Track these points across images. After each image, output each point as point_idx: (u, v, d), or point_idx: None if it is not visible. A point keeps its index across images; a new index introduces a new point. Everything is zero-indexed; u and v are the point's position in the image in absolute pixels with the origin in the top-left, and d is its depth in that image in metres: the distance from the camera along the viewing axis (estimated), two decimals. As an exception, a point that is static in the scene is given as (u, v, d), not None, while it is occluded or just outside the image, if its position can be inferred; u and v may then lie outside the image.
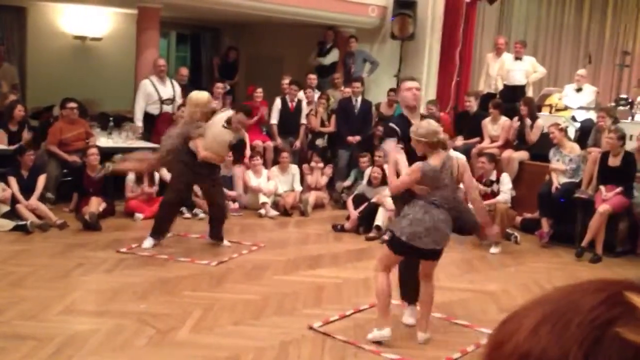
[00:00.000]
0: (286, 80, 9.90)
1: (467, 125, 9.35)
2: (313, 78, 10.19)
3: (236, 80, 11.61)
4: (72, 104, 8.30)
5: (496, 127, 8.94)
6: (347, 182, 9.17)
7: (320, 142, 9.66)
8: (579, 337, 0.54)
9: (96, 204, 7.38)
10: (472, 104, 9.42)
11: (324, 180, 9.17)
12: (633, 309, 0.54)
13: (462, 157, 7.66)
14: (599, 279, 0.61)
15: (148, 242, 6.54)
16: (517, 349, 0.57)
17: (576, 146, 8.05)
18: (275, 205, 8.67)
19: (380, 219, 7.66)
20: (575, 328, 0.55)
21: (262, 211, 8.48)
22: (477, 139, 9.03)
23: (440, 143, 4.37)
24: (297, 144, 9.74)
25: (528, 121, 8.65)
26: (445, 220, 4.34)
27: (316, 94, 10.08)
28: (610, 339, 0.53)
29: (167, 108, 9.20)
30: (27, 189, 7.32)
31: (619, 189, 7.21)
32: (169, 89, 9.22)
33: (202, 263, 6.17)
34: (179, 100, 9.10)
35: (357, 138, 9.46)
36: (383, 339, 4.48)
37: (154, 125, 9.03)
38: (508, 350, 0.58)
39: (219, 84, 9.73)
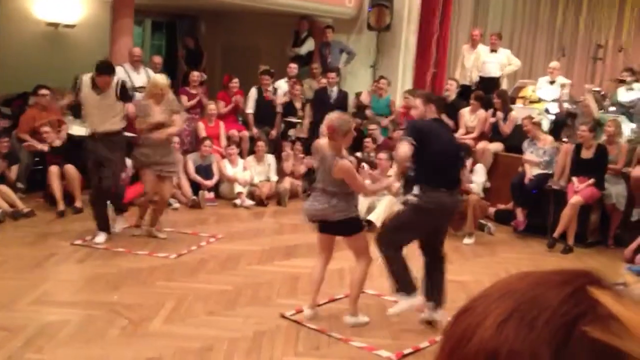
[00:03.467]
0: (261, 70, 9.89)
1: (444, 111, 9.33)
2: (293, 67, 10.15)
3: (203, 67, 11.43)
4: (45, 91, 8.18)
5: (473, 118, 8.99)
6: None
7: (292, 132, 9.60)
8: (547, 336, 0.54)
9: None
10: (452, 91, 9.43)
11: (302, 169, 9.13)
12: (597, 305, 0.54)
13: None
14: (562, 269, 0.60)
15: (101, 237, 6.38)
16: (483, 347, 0.56)
17: (550, 138, 8.14)
18: (250, 195, 8.65)
19: (375, 214, 7.54)
20: (543, 326, 0.54)
21: (238, 201, 8.46)
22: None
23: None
24: (273, 133, 9.71)
25: (499, 114, 8.72)
26: None
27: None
28: (578, 338, 0.53)
29: (139, 96, 9.10)
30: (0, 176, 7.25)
31: (590, 181, 7.30)
32: (143, 76, 9.12)
33: (160, 256, 6.06)
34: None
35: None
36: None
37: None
38: (473, 349, 0.56)
39: (195, 73, 9.65)
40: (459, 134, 8.92)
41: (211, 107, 9.20)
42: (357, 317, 4.74)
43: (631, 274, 6.16)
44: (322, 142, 4.67)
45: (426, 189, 4.54)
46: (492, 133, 8.84)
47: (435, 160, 4.54)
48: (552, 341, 0.53)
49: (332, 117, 4.61)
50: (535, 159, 7.92)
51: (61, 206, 7.30)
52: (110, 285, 5.19)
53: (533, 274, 0.61)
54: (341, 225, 4.64)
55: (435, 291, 4.75)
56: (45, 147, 7.91)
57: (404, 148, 4.46)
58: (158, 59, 9.95)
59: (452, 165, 4.76)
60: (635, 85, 8.92)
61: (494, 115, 8.82)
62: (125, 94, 6.41)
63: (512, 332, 0.55)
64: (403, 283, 4.60)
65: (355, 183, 4.57)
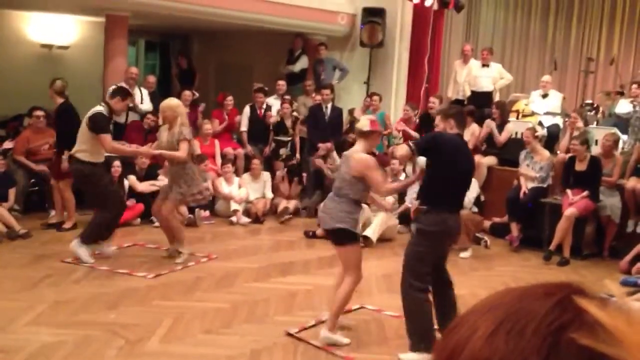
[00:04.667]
0: (255, 87, 9.94)
1: (429, 127, 9.38)
2: (282, 84, 10.21)
3: (195, 86, 11.44)
4: (39, 112, 8.21)
5: (467, 133, 9.02)
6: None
7: (283, 152, 9.61)
8: (536, 345, 0.55)
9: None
10: (436, 106, 9.47)
11: (294, 191, 9.13)
12: (582, 313, 0.55)
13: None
14: (547, 282, 0.62)
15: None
16: (473, 357, 0.57)
17: (547, 153, 8.15)
18: (246, 213, 8.65)
19: (371, 230, 7.57)
20: (531, 335, 0.56)
21: (234, 219, 8.46)
22: None
23: None
24: (267, 150, 9.73)
25: (492, 123, 8.78)
26: None
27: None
28: (566, 345, 0.54)
29: (135, 116, 9.15)
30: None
31: (585, 193, 7.33)
32: (138, 96, 9.16)
33: (139, 275, 6.00)
34: (144, 108, 9.09)
35: (328, 145, 9.47)
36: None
37: (122, 133, 8.96)
38: (464, 359, 0.58)
39: (187, 92, 9.70)
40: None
41: (207, 126, 9.22)
42: (334, 335, 4.57)
43: (625, 285, 6.17)
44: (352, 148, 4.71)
45: (430, 212, 4.35)
46: (487, 145, 8.88)
47: (449, 178, 4.34)
48: (541, 349, 0.55)
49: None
50: (532, 173, 7.95)
51: (60, 217, 7.55)
52: (107, 305, 5.17)
53: (518, 288, 0.63)
54: (333, 233, 4.60)
55: (447, 322, 4.35)
56: (44, 168, 7.96)
57: (403, 149, 4.46)
58: (152, 79, 10.00)
59: (464, 185, 4.57)
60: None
61: (487, 126, 8.88)
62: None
63: (502, 342, 0.56)
64: (423, 339, 4.32)
65: (374, 176, 4.48)
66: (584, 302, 0.56)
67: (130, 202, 7.90)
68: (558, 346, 0.55)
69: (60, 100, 7.53)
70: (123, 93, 6.55)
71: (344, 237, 4.52)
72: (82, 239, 6.26)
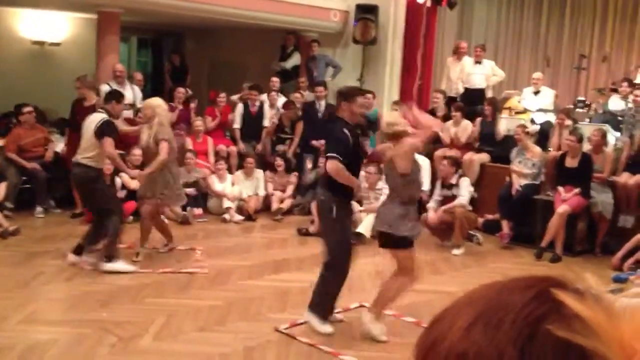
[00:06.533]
0: (247, 85, 9.94)
1: None
2: (275, 81, 10.20)
3: (187, 83, 11.42)
4: (29, 108, 8.17)
5: (458, 130, 9.05)
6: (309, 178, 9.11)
7: (280, 148, 9.60)
8: (512, 336, 0.55)
9: None
10: (440, 102, 9.53)
11: (290, 188, 9.11)
12: (560, 306, 0.56)
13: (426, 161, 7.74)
14: (527, 275, 0.62)
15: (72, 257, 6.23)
16: (452, 348, 0.57)
17: (539, 150, 8.18)
18: (239, 210, 8.64)
19: (363, 226, 7.60)
20: (508, 326, 0.56)
21: (227, 216, 8.45)
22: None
23: None
24: (259, 147, 9.71)
25: (498, 115, 8.86)
26: None
27: (280, 98, 10.07)
28: (543, 336, 0.55)
29: (128, 113, 9.09)
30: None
31: (577, 190, 7.35)
32: (129, 93, 9.12)
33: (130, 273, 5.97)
34: (139, 104, 9.04)
35: (322, 142, 9.45)
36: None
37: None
38: (443, 351, 0.58)
39: (180, 89, 9.67)
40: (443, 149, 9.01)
41: (198, 123, 9.21)
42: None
43: (617, 282, 6.19)
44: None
45: None
46: (480, 141, 8.90)
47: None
48: (517, 340, 0.55)
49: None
50: (523, 170, 7.97)
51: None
52: (99, 302, 5.16)
53: (500, 282, 0.63)
54: (382, 236, 4.72)
55: None
56: (36, 166, 7.93)
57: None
58: (139, 76, 9.95)
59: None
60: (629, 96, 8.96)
61: (481, 122, 8.91)
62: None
63: (480, 334, 0.57)
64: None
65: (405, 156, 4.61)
66: (562, 294, 0.56)
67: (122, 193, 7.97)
68: (534, 337, 0.55)
69: (94, 99, 7.44)
70: (116, 96, 6.52)
71: (394, 242, 4.67)
72: (106, 259, 6.08)
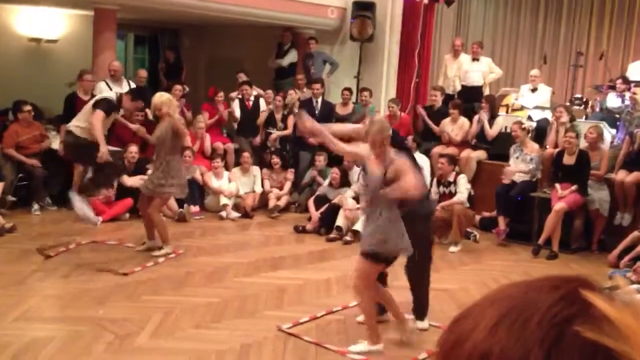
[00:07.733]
0: (241, 79, 9.93)
1: (431, 119, 9.41)
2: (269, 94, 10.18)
3: (183, 80, 11.37)
4: (28, 107, 8.17)
5: (455, 127, 9.05)
6: (306, 179, 9.09)
7: (272, 134, 9.55)
8: (539, 336, 0.54)
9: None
10: (438, 99, 9.53)
11: (287, 186, 9.09)
12: (589, 307, 0.55)
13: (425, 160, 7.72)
14: (553, 275, 0.61)
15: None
16: (476, 348, 0.57)
17: (536, 146, 8.19)
18: (236, 207, 8.63)
19: (341, 219, 7.68)
20: (535, 327, 0.55)
21: (223, 213, 8.44)
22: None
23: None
24: (257, 139, 9.67)
25: (484, 115, 8.81)
26: None
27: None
28: (571, 338, 0.54)
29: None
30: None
31: (574, 187, 7.35)
32: (126, 89, 9.09)
33: (120, 271, 5.89)
34: None
35: (318, 140, 9.43)
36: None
37: (112, 130, 8.89)
38: (467, 350, 0.57)
39: (178, 86, 9.65)
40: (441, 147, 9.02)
41: (200, 124, 9.17)
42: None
43: (619, 278, 6.21)
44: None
45: None
46: (477, 139, 8.90)
47: None
48: (544, 341, 0.54)
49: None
50: (518, 167, 7.99)
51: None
52: (96, 300, 5.15)
53: (524, 281, 0.62)
54: None
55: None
56: (36, 162, 7.93)
57: None
58: (143, 73, 9.95)
59: None
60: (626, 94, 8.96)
61: (478, 120, 8.90)
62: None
63: (505, 334, 0.56)
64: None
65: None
66: (591, 295, 0.55)
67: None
68: (562, 338, 0.54)
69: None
70: (134, 94, 6.71)
71: None
72: (78, 192, 6.38)
